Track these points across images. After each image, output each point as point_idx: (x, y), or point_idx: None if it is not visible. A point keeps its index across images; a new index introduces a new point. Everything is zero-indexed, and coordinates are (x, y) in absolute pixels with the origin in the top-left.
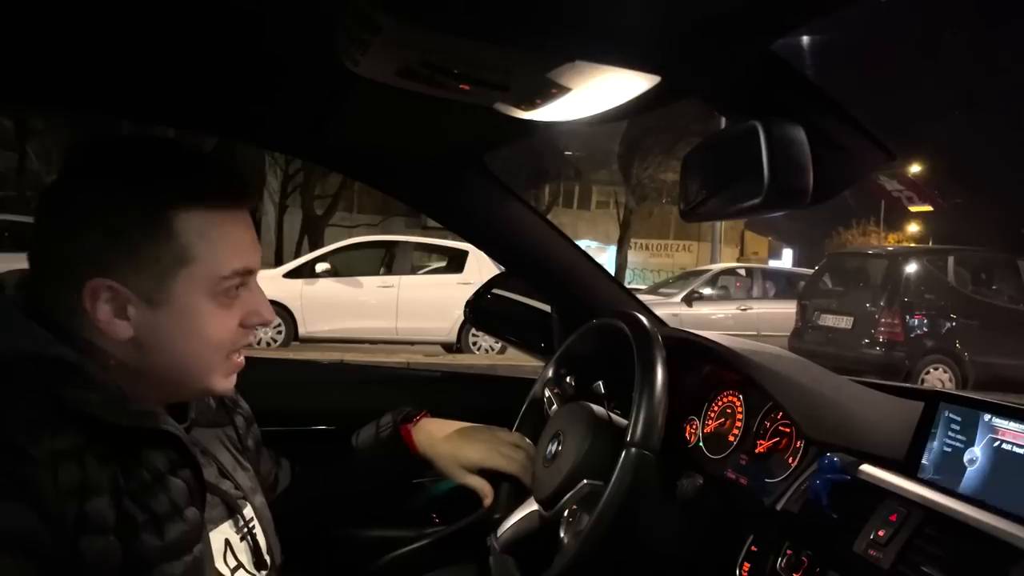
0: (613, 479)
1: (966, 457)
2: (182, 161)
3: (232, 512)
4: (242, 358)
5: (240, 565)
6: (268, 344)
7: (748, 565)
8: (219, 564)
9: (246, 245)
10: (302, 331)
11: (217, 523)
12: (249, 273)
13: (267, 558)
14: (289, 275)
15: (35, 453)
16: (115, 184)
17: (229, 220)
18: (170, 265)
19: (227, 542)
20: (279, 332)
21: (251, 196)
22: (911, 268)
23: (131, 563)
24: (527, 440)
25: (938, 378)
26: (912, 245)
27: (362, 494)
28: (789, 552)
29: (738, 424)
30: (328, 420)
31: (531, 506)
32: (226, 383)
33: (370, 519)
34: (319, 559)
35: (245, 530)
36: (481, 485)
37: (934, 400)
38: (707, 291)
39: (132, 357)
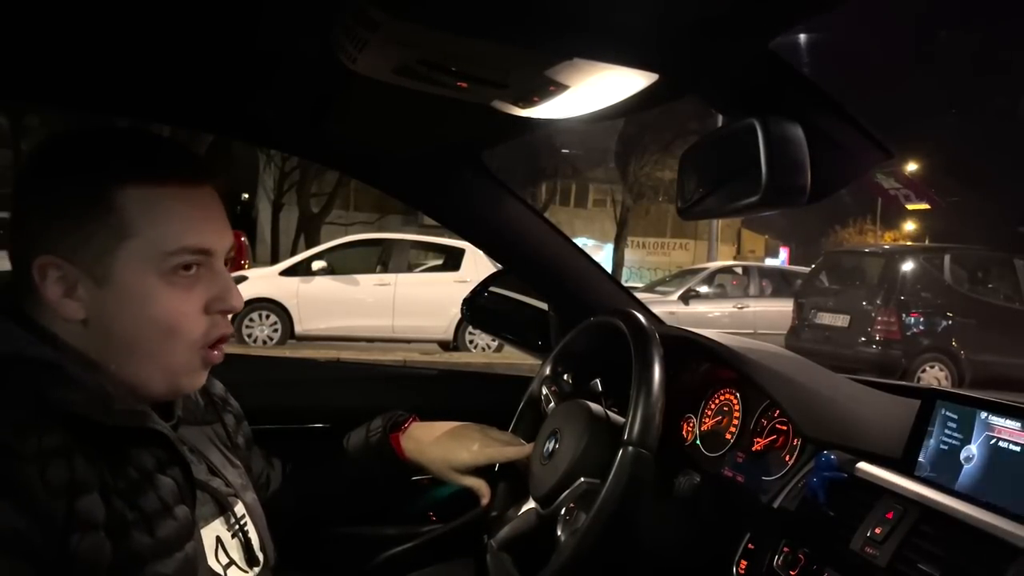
0: (610, 478)
1: (962, 455)
2: (131, 141)
3: (223, 509)
4: (218, 353)
5: (232, 562)
6: (264, 342)
7: (745, 563)
8: (211, 561)
9: (199, 223)
10: (298, 329)
11: (208, 520)
12: (204, 253)
13: (259, 555)
14: (285, 273)
15: (22, 451)
16: (61, 166)
17: (177, 196)
18: (109, 240)
19: (218, 539)
20: (275, 330)
21: (206, 174)
22: (908, 266)
23: (122, 561)
24: (518, 439)
25: (934, 376)
26: (909, 243)
27: (354, 494)
28: (786, 550)
29: (735, 422)
30: (324, 418)
31: (528, 504)
32: (193, 380)
33: (363, 518)
34: (317, 557)
35: (237, 527)
36: (477, 485)
37: (931, 398)
38: (704, 289)
39: (91, 344)
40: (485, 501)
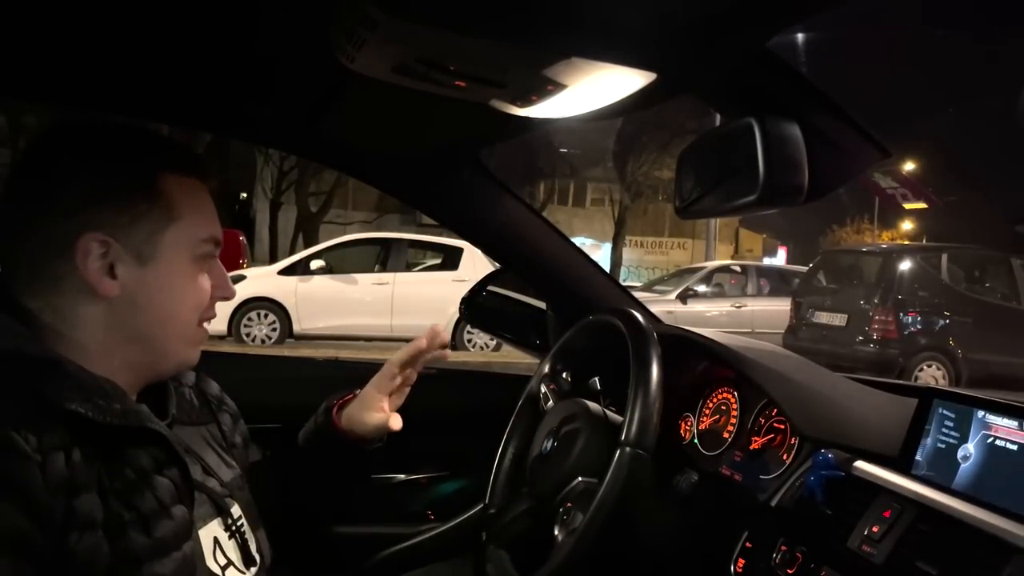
0: (607, 478)
1: (959, 453)
2: (153, 136)
3: (220, 510)
4: (207, 328)
5: (230, 563)
6: (263, 341)
7: (743, 561)
8: (209, 562)
9: (215, 216)
10: (297, 328)
11: (205, 521)
12: (217, 244)
13: (256, 556)
14: (284, 272)
15: (22, 449)
16: (105, 145)
17: (201, 189)
18: (160, 220)
19: (216, 540)
20: (274, 329)
21: (213, 175)
22: (905, 266)
23: (120, 561)
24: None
25: (931, 375)
26: (906, 243)
27: (318, 483)
28: (784, 548)
29: (733, 421)
30: None
31: (526, 502)
32: (194, 353)
33: (360, 516)
34: (315, 556)
35: (233, 528)
36: (392, 419)
37: (928, 397)
38: (702, 288)
39: (113, 322)
40: (397, 426)
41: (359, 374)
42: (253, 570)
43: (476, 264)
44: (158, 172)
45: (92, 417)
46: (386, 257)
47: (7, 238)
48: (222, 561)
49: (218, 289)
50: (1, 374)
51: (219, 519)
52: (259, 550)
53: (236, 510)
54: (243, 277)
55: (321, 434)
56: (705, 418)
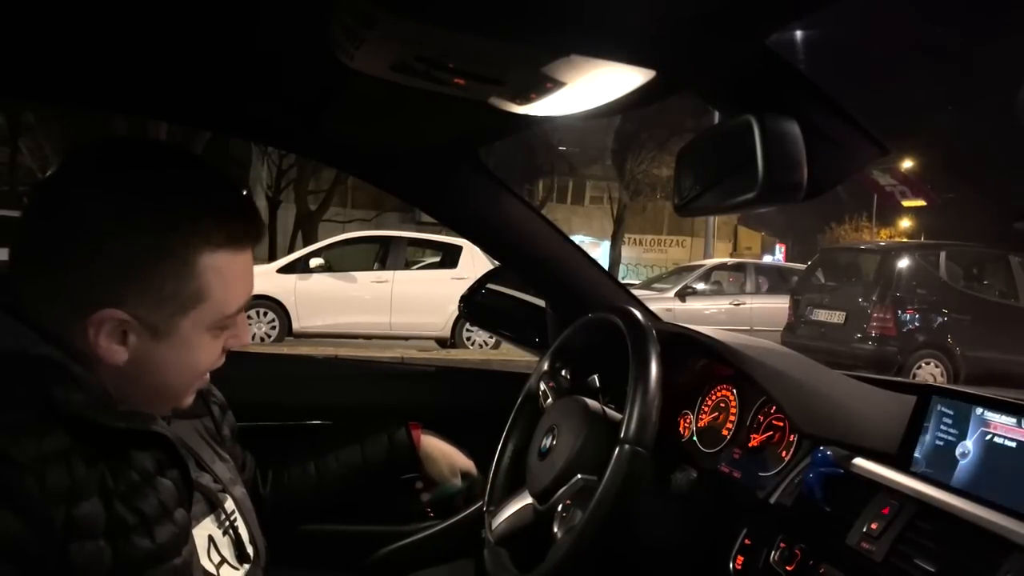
0: (606, 476)
1: (958, 450)
2: (209, 191)
3: (214, 507)
4: (208, 376)
5: (224, 560)
6: (262, 339)
7: (742, 558)
8: (204, 561)
9: (251, 280)
10: (296, 326)
11: (199, 519)
12: (246, 306)
13: (249, 550)
14: (283, 270)
15: (20, 458)
16: (141, 211)
17: (243, 259)
18: (186, 303)
19: (210, 538)
20: (273, 327)
21: (264, 233)
22: (903, 263)
23: (121, 567)
24: None
25: (930, 372)
26: (904, 240)
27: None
28: (782, 545)
29: (732, 418)
30: (322, 415)
31: (525, 499)
32: (191, 399)
33: (356, 513)
34: (315, 554)
35: (227, 524)
36: (468, 485)
37: (927, 394)
38: (700, 286)
39: (117, 375)
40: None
41: (359, 372)
42: (247, 567)
43: (475, 262)
44: (194, 250)
45: (98, 420)
46: (385, 255)
47: (23, 255)
48: (216, 559)
49: (232, 340)
50: (5, 376)
51: (212, 516)
52: (252, 543)
53: (229, 504)
54: None
55: (401, 455)
56: (704, 415)
